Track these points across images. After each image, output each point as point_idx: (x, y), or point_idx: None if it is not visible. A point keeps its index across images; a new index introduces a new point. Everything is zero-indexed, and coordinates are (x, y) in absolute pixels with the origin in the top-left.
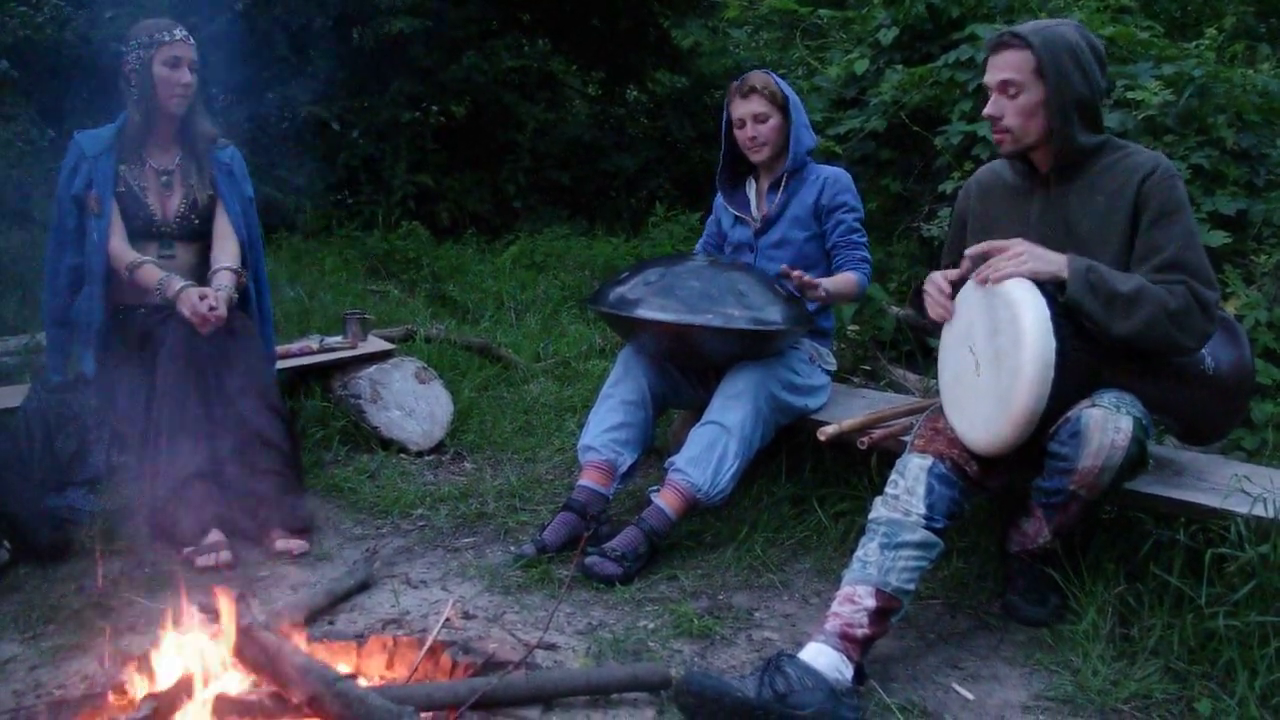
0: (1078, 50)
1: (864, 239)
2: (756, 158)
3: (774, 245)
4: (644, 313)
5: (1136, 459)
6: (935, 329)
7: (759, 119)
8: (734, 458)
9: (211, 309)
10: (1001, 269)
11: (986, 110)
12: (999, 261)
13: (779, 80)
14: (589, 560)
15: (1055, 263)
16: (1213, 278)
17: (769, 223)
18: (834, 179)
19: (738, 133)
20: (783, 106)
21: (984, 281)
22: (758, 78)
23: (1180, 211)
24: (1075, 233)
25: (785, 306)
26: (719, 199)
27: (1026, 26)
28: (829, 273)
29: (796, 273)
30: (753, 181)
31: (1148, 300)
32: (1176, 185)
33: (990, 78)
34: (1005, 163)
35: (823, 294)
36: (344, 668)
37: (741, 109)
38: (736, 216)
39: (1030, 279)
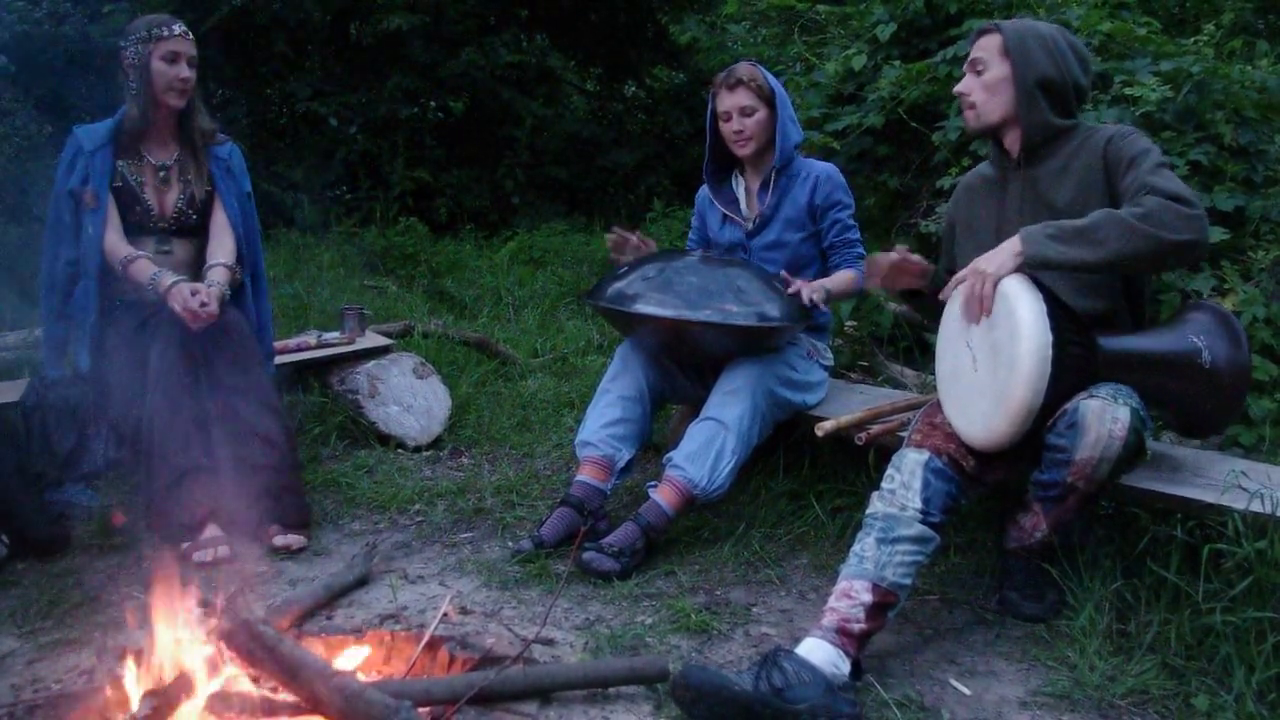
0: (1048, 38)
1: (858, 235)
2: (742, 152)
3: (768, 247)
4: (642, 308)
5: (1134, 450)
6: (934, 316)
7: (745, 112)
8: (732, 454)
9: (203, 304)
10: (977, 290)
11: (956, 88)
12: (972, 288)
13: (766, 73)
14: (586, 556)
15: (1009, 248)
16: (1187, 192)
17: (762, 223)
18: (826, 177)
19: (723, 126)
20: (770, 100)
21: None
22: (744, 70)
23: (1145, 154)
24: (1055, 208)
25: (783, 302)
26: (704, 194)
27: (1008, 21)
28: (825, 272)
29: (795, 286)
30: (739, 178)
31: (1110, 220)
32: (1137, 137)
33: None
34: (988, 163)
35: (824, 300)
36: (342, 663)
37: (728, 102)
38: (725, 215)
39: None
